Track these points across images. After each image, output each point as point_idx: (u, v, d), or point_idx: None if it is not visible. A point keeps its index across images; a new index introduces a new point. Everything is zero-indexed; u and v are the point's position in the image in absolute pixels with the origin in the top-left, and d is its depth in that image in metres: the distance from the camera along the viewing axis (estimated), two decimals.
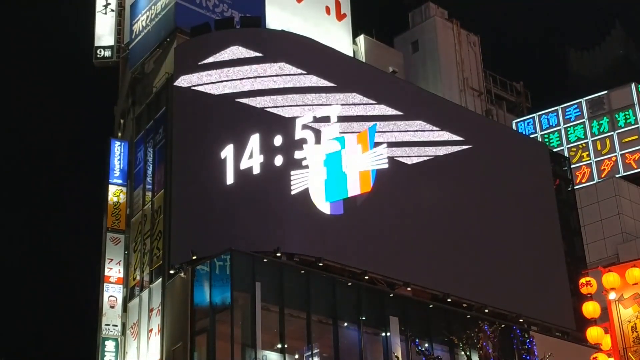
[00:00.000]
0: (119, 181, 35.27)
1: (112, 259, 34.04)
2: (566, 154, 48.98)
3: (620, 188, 47.05)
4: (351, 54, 40.86)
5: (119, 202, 34.85)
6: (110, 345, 32.79)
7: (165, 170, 32.67)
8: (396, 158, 34.90)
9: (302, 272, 30.80)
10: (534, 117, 52.15)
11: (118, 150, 35.70)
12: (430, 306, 33.64)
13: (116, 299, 33.50)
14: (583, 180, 49.30)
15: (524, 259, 37.78)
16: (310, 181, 32.54)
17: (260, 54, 33.78)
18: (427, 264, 34.39)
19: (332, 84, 34.63)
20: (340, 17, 41.56)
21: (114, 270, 33.88)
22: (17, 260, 60.03)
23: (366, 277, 32.47)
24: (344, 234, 32.57)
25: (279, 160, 32.24)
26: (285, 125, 32.83)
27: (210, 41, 34.23)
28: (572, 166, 47.16)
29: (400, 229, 34.19)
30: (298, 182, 32.01)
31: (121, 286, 33.82)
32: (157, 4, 36.69)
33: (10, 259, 59.15)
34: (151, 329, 31.57)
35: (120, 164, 35.48)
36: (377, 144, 34.42)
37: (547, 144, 49.19)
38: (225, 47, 34.02)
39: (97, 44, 39.55)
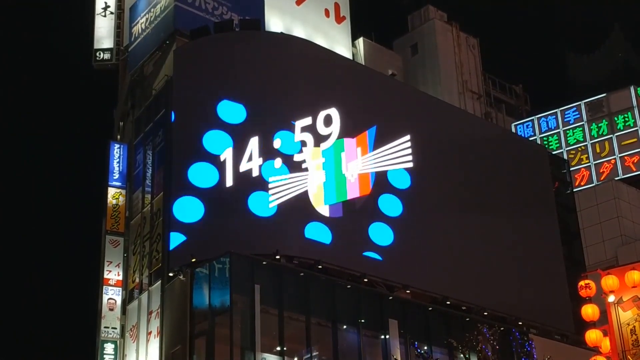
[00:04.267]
0: (118, 184, 35.26)
1: (111, 262, 34.01)
2: (565, 157, 49.00)
3: (619, 191, 47.03)
4: (350, 57, 40.89)
5: (118, 205, 34.84)
6: (109, 348, 32.77)
7: (165, 172, 32.65)
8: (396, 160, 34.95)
9: (302, 274, 30.80)
10: (533, 119, 52.18)
11: (117, 153, 35.70)
12: (430, 309, 33.63)
13: (115, 302, 33.47)
14: (582, 183, 49.29)
15: (523, 262, 37.78)
16: (310, 184, 32.56)
17: (259, 57, 33.80)
18: (426, 266, 34.39)
19: (331, 87, 34.65)
20: (339, 20, 41.59)
21: (113, 273, 33.86)
22: (17, 262, 60.00)
23: (365, 280, 32.48)
24: (343, 236, 32.56)
25: (278, 163, 32.25)
26: (285, 127, 32.84)
27: (209, 44, 34.26)
28: (571, 169, 47.14)
29: (399, 231, 34.20)
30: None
31: (120, 289, 33.79)
32: (156, 6, 36.70)
33: (9, 261, 59.13)
34: (150, 332, 31.55)
35: (119, 166, 35.47)
36: (376, 147, 34.49)
37: (546, 146, 49.19)
38: (225, 49, 34.06)
39: (96, 46, 39.55)
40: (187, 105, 32.87)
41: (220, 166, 31.88)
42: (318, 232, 32.07)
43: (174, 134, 32.57)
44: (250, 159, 32.02)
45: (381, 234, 33.68)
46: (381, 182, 34.34)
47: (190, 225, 31.10)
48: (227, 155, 31.96)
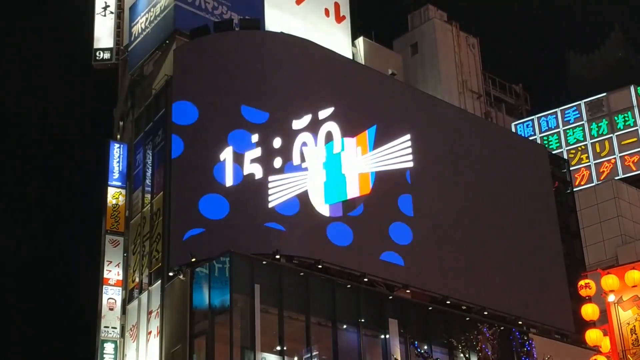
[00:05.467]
0: (118, 183, 35.25)
1: (111, 261, 34.01)
2: (565, 156, 49.04)
3: (619, 190, 47.07)
4: (350, 56, 40.87)
5: (118, 204, 34.84)
6: (109, 348, 32.77)
7: (165, 172, 32.65)
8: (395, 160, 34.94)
9: (302, 274, 30.79)
10: (533, 119, 52.21)
11: (117, 153, 35.69)
12: (430, 308, 33.62)
13: (115, 301, 33.46)
14: (582, 183, 49.33)
15: (523, 261, 37.78)
16: (310, 183, 32.55)
17: (259, 56, 33.78)
18: (426, 266, 34.38)
19: (331, 86, 34.64)
20: (339, 19, 41.59)
21: (113, 273, 33.85)
22: (16, 262, 60.03)
23: (365, 280, 32.47)
24: (343, 236, 32.55)
25: (278, 162, 32.24)
26: (285, 127, 32.83)
27: (209, 43, 34.25)
28: (571, 168, 47.15)
29: (400, 231, 34.18)
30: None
31: (120, 288, 33.78)
32: (156, 6, 36.69)
33: (9, 261, 59.15)
34: (150, 332, 31.55)
35: (119, 166, 35.46)
36: (376, 146, 34.48)
37: (546, 146, 49.21)
38: (225, 49, 34.06)
39: (96, 46, 39.51)
40: (190, 104, 32.83)
41: (221, 165, 31.88)
42: (323, 231, 32.08)
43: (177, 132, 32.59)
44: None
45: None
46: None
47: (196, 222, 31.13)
48: (226, 154, 31.95)
